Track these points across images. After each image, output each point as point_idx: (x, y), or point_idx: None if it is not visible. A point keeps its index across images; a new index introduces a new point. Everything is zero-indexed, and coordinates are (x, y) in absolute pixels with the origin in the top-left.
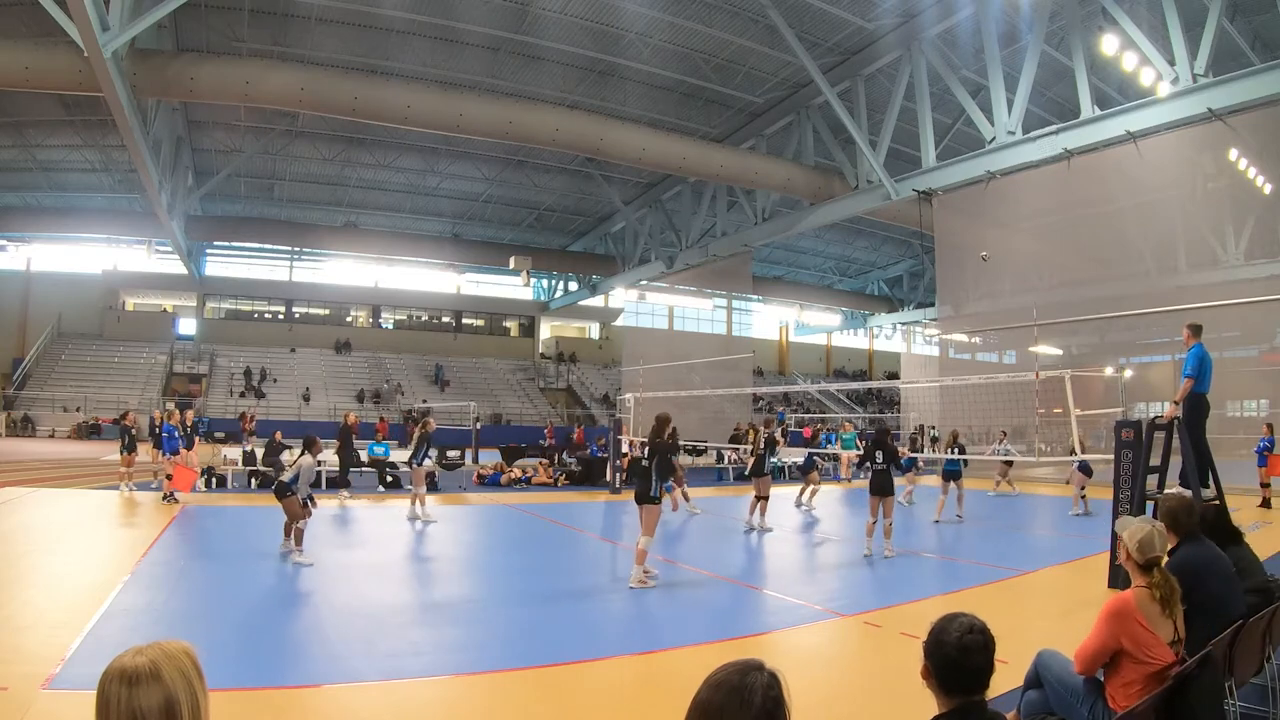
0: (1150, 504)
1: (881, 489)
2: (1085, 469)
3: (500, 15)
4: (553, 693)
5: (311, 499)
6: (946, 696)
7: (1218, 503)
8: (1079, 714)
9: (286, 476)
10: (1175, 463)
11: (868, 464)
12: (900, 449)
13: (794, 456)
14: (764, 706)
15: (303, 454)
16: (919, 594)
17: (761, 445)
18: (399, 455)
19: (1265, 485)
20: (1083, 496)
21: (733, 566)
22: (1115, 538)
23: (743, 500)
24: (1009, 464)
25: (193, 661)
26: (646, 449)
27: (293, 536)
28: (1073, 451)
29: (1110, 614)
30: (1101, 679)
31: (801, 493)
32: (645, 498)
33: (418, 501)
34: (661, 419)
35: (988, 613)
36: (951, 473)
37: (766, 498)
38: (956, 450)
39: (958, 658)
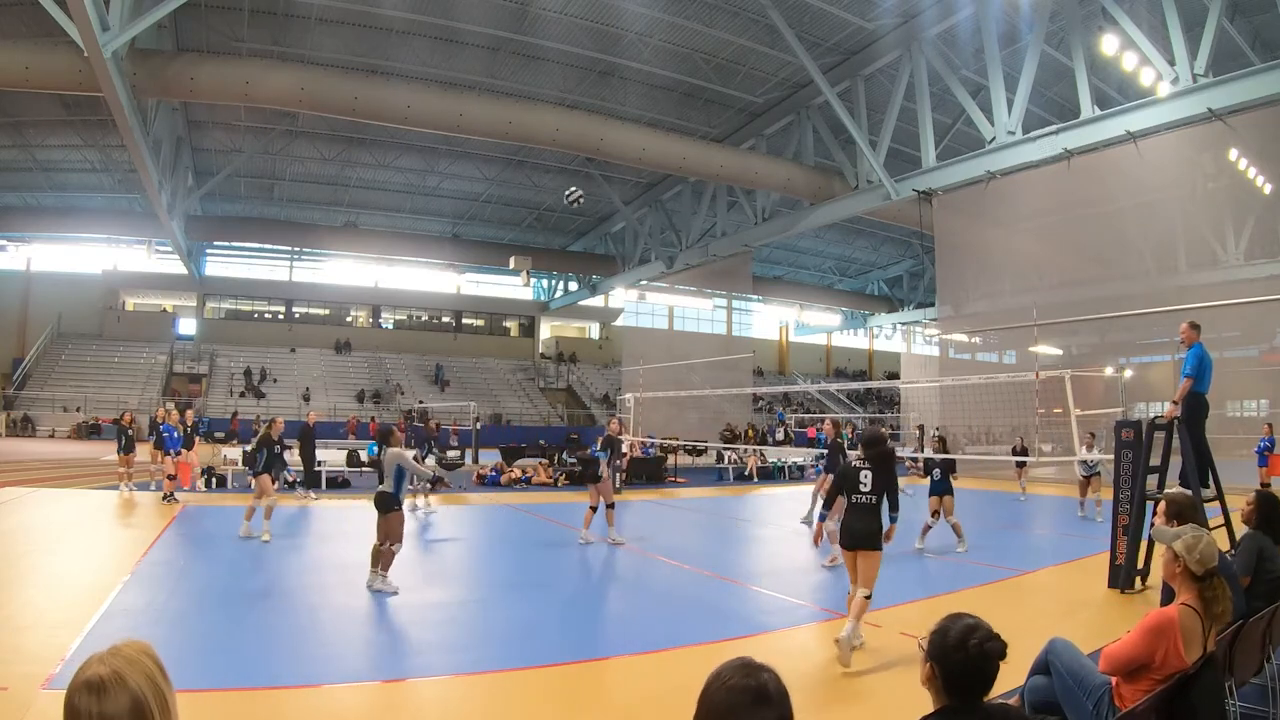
0: (1150, 504)
1: (868, 538)
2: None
3: (500, 15)
4: (553, 693)
5: (439, 478)
6: (948, 698)
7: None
8: (1083, 707)
9: (390, 485)
10: (1175, 463)
11: (853, 496)
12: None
13: (794, 457)
14: (781, 702)
15: (383, 449)
16: (919, 594)
17: (599, 446)
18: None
19: (1265, 485)
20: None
21: (733, 566)
22: (1117, 539)
23: (743, 500)
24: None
25: (155, 662)
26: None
27: (380, 561)
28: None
29: (1151, 629)
30: (1110, 678)
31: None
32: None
33: (261, 514)
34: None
35: (988, 613)
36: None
37: (611, 506)
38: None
39: (979, 663)
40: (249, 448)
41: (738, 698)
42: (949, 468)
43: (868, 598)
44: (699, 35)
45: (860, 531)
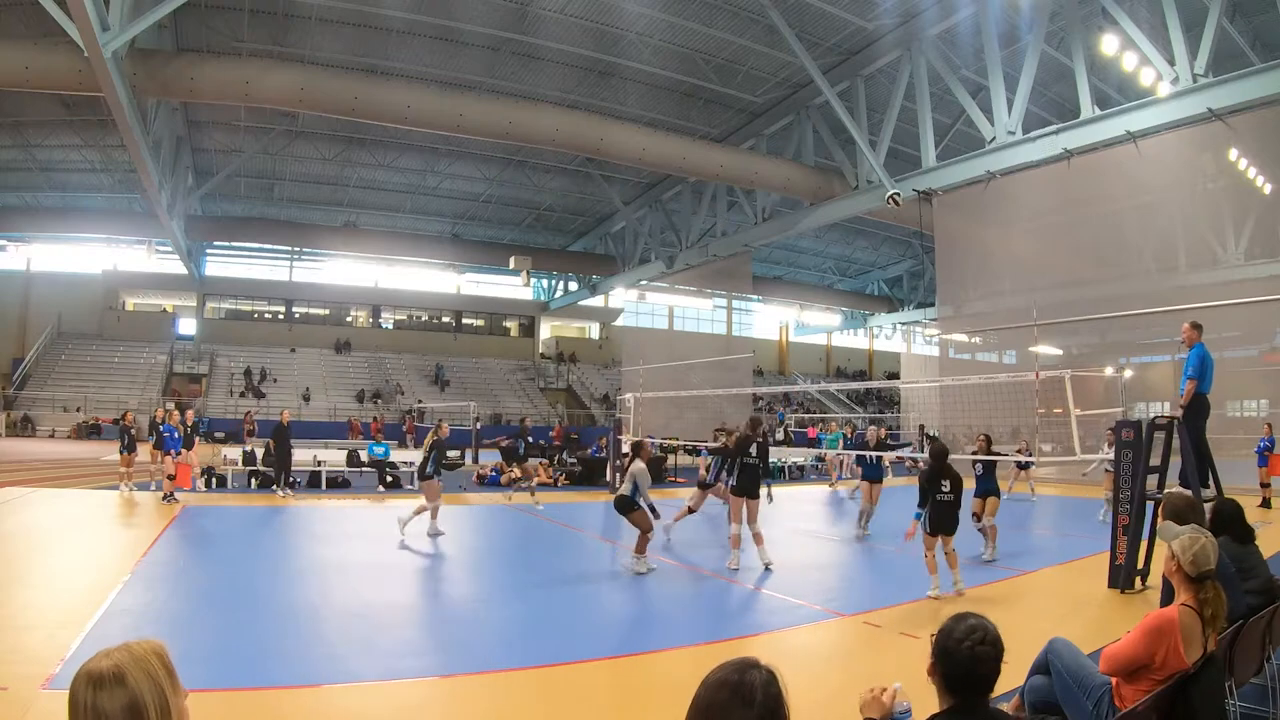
0: (1150, 504)
1: (949, 526)
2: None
3: (500, 15)
4: (553, 693)
5: (653, 507)
6: (950, 695)
7: (1234, 501)
8: (1083, 707)
9: (627, 489)
10: (1175, 463)
11: (937, 495)
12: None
13: (796, 457)
14: (765, 704)
15: (632, 460)
16: (919, 594)
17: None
18: (398, 455)
19: (1265, 485)
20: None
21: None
22: (1117, 539)
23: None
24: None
25: (162, 662)
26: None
27: (640, 549)
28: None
29: (1151, 629)
30: (1110, 678)
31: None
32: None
33: (429, 514)
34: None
35: (988, 613)
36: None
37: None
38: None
39: (969, 666)
40: (422, 453)
41: (719, 694)
42: (990, 469)
43: (954, 549)
44: (699, 35)
45: (945, 522)
